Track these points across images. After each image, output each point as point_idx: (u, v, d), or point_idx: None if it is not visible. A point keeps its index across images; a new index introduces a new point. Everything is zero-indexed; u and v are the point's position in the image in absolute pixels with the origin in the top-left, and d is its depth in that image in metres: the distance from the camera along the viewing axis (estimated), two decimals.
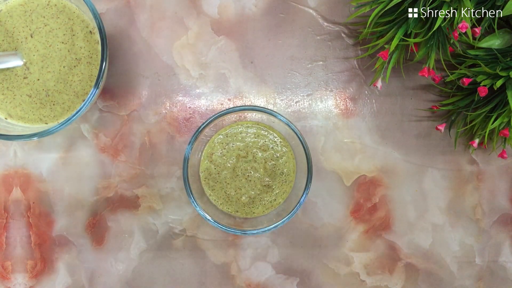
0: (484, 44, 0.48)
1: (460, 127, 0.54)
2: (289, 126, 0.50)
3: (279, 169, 0.54)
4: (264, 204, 0.54)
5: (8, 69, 0.49)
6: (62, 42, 0.49)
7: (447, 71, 0.50)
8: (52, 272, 0.56)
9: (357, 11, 0.49)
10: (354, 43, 0.57)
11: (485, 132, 0.49)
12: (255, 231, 0.50)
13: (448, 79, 0.51)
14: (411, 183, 0.57)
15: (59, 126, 0.45)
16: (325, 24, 0.57)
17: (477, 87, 0.47)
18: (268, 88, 0.57)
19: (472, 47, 0.49)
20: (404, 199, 0.57)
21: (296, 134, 0.50)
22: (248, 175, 0.54)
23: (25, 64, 0.49)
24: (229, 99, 0.56)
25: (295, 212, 0.50)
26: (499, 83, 0.46)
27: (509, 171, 0.57)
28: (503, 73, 0.46)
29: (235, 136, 0.54)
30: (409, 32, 0.46)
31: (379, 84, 0.52)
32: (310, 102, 0.57)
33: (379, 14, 0.47)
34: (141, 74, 0.56)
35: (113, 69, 0.56)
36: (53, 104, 0.50)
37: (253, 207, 0.54)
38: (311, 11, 0.57)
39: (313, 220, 0.56)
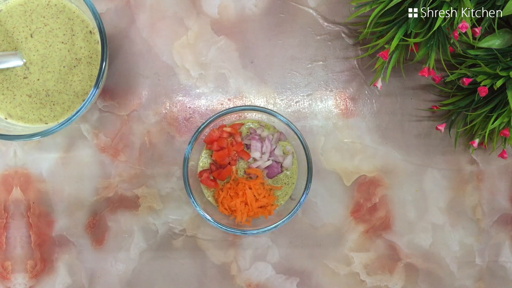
0: (484, 44, 0.48)
1: (460, 127, 0.54)
2: (289, 126, 0.50)
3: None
4: None
5: (8, 69, 0.49)
6: (62, 42, 0.49)
7: (447, 71, 0.50)
8: (52, 272, 0.56)
9: (357, 11, 0.49)
10: (354, 43, 0.57)
11: (485, 132, 0.49)
12: (255, 231, 0.50)
13: (448, 79, 0.51)
14: (411, 183, 0.57)
15: (59, 126, 0.45)
16: (325, 24, 0.57)
17: (477, 87, 0.47)
18: (268, 88, 0.57)
19: (472, 47, 0.49)
20: (404, 199, 0.57)
21: (296, 134, 0.50)
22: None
23: (25, 64, 0.49)
24: (229, 99, 0.56)
25: (295, 212, 0.50)
26: (499, 83, 0.46)
27: (509, 171, 0.57)
28: (503, 73, 0.46)
29: None
30: (409, 32, 0.46)
31: (379, 84, 0.52)
32: (310, 102, 0.57)
33: (379, 14, 0.47)
34: (141, 74, 0.56)
35: (113, 69, 0.56)
36: (53, 104, 0.50)
37: None
38: (311, 11, 0.57)
39: (313, 220, 0.56)
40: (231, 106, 0.56)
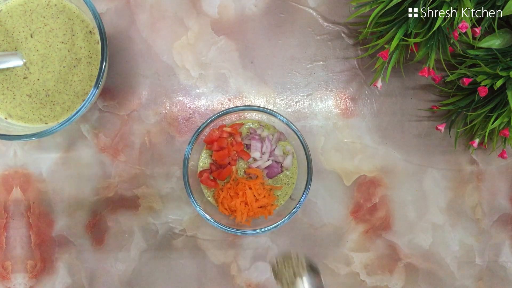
0: (484, 44, 0.48)
1: (460, 127, 0.54)
2: (289, 126, 0.50)
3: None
4: None
5: (8, 69, 0.49)
6: (62, 42, 0.49)
7: (447, 71, 0.50)
8: (52, 272, 0.56)
9: (357, 11, 0.49)
10: (354, 43, 0.57)
11: (485, 132, 0.49)
12: (255, 231, 0.50)
13: (448, 79, 0.51)
14: (411, 183, 0.57)
15: (59, 126, 0.45)
16: (325, 24, 0.57)
17: (477, 87, 0.47)
18: (268, 88, 0.57)
19: (472, 47, 0.49)
20: (404, 199, 0.57)
21: (296, 134, 0.50)
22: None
23: (25, 64, 0.49)
24: (229, 99, 0.56)
25: (295, 212, 0.50)
26: (499, 83, 0.46)
27: (509, 171, 0.57)
28: (503, 73, 0.46)
29: None
30: (409, 32, 0.46)
31: (379, 84, 0.52)
32: (310, 102, 0.57)
33: (379, 14, 0.47)
34: (141, 74, 0.56)
35: (113, 69, 0.56)
36: (53, 104, 0.50)
37: None
38: (311, 11, 0.57)
39: (313, 220, 0.56)
40: (231, 106, 0.56)
